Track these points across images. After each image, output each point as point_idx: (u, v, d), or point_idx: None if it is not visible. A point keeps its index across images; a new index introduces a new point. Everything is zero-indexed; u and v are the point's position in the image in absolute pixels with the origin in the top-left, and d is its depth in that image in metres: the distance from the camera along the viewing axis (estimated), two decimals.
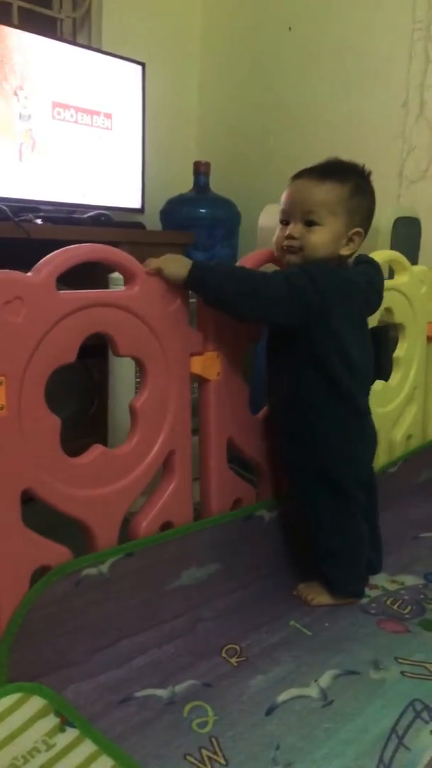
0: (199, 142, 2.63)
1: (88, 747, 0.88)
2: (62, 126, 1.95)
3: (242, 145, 2.51)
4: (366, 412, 1.25)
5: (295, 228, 1.16)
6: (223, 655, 1.10)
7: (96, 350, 1.58)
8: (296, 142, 2.34)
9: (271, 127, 2.41)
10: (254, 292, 1.09)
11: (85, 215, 1.87)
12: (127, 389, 1.42)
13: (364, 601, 1.28)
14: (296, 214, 1.16)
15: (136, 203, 2.17)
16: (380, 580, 1.35)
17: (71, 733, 0.90)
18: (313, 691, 1.03)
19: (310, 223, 1.15)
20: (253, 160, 2.47)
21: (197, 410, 1.22)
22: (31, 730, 0.90)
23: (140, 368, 1.12)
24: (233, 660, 1.09)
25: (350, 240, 1.17)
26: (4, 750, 0.87)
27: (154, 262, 1.10)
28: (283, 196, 1.19)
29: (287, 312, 1.12)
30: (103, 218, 1.85)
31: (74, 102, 1.97)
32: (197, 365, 1.18)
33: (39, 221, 1.67)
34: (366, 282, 1.23)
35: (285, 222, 1.19)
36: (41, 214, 1.75)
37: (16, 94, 1.84)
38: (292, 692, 1.02)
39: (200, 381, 1.21)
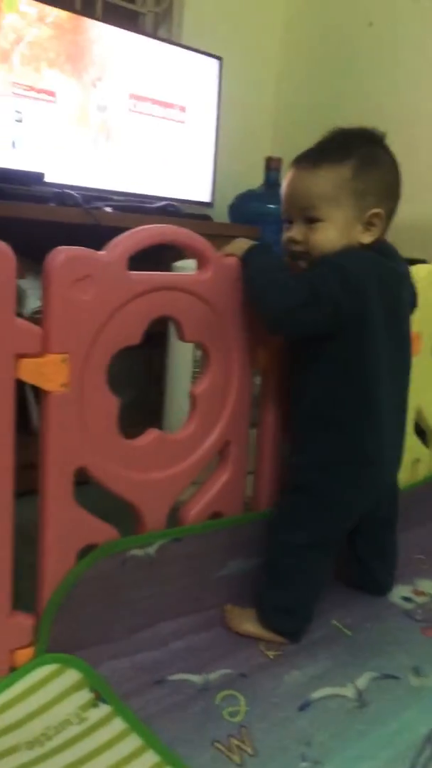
0: (273, 138, 2.62)
1: (118, 724, 0.89)
2: (137, 117, 1.99)
3: (317, 136, 2.49)
4: (387, 433, 1.09)
5: (297, 230, 1.03)
6: (261, 647, 1.10)
7: (156, 339, 1.61)
8: None
9: (348, 123, 2.38)
10: (270, 296, 1.00)
11: (154, 205, 1.89)
12: (185, 378, 1.43)
13: (410, 606, 1.25)
14: (295, 212, 1.03)
15: (205, 196, 2.19)
16: (428, 587, 1.32)
17: (103, 709, 0.91)
18: (349, 692, 1.01)
19: (311, 221, 1.01)
20: None
21: (258, 403, 1.21)
22: (65, 702, 0.92)
23: (204, 355, 1.12)
24: (270, 653, 1.09)
25: (369, 224, 1.02)
26: (37, 719, 0.89)
27: (229, 249, 1.07)
28: (281, 189, 1.07)
29: (306, 322, 1.00)
30: (170, 209, 1.87)
31: (150, 94, 2.01)
32: (262, 358, 1.17)
33: (108, 209, 1.69)
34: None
35: (287, 221, 1.06)
36: (111, 202, 1.78)
37: (94, 84, 1.88)
38: (328, 690, 1.01)
39: (263, 373, 1.20)
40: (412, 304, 1.17)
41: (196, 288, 1.06)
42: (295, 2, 2.56)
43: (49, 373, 0.92)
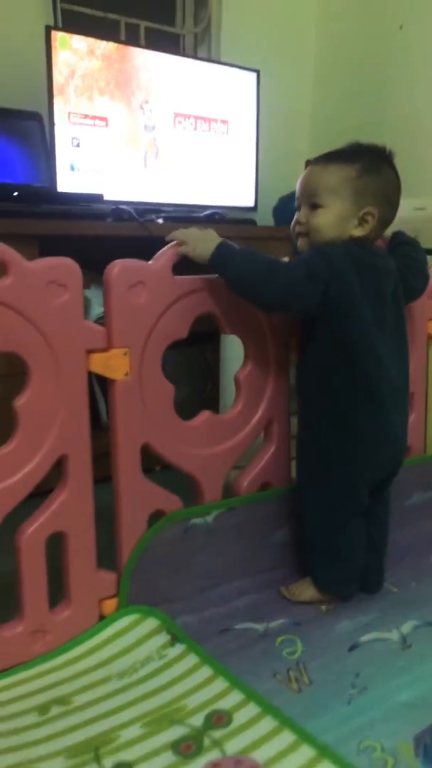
0: (311, 142, 2.75)
1: (192, 659, 1.04)
2: (182, 134, 2.15)
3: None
4: (388, 409, 1.17)
5: (302, 213, 1.17)
6: (314, 603, 1.23)
7: (209, 336, 1.76)
8: (407, 142, 2.40)
9: (382, 125, 2.49)
10: (272, 278, 1.10)
11: (202, 214, 2.04)
12: (235, 369, 1.57)
13: None
14: (304, 199, 1.17)
15: (249, 202, 2.34)
16: None
17: (179, 648, 1.07)
18: (394, 636, 1.14)
19: (314, 206, 1.15)
20: None
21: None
22: (147, 643, 1.08)
23: (244, 345, 1.27)
24: (323, 607, 1.22)
25: (362, 221, 1.15)
26: (126, 656, 1.05)
27: (179, 235, 1.14)
28: (297, 183, 1.20)
29: (304, 297, 1.11)
30: (217, 216, 2.02)
31: (193, 111, 2.17)
32: (294, 345, 1.30)
33: (160, 221, 1.86)
34: (403, 264, 1.23)
35: (298, 208, 1.19)
36: (163, 214, 1.94)
37: (141, 107, 2.05)
38: (374, 635, 1.14)
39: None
40: (422, 285, 1.30)
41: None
42: (327, 10, 2.67)
43: (114, 364, 1.09)
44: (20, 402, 1.03)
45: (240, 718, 0.93)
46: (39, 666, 1.04)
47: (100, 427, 1.37)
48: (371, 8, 2.51)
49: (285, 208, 2.39)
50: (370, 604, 1.24)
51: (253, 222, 2.21)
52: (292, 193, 2.39)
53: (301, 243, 1.19)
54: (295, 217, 1.19)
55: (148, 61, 2.05)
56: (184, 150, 2.15)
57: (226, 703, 0.95)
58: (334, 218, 1.14)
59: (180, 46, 2.54)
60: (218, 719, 0.93)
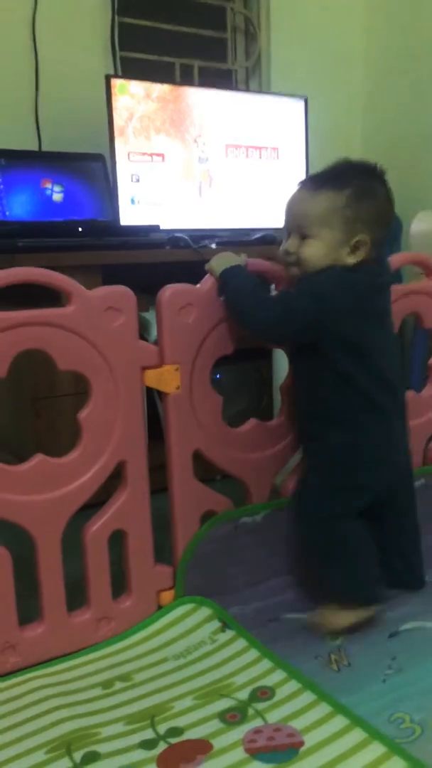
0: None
1: (241, 643, 1.15)
2: (234, 163, 2.29)
3: (404, 160, 2.67)
4: (392, 420, 1.20)
5: (292, 242, 1.16)
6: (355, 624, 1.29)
7: (264, 352, 1.87)
8: None
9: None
10: (251, 313, 1.16)
11: (253, 237, 2.17)
12: None
13: None
14: (293, 227, 1.17)
15: None
16: None
17: (229, 634, 1.18)
18: None
19: (304, 236, 1.14)
20: (412, 174, 2.62)
21: None
22: (200, 629, 1.20)
23: (288, 358, 1.38)
24: None
25: (355, 248, 1.13)
26: (181, 640, 1.18)
27: (214, 257, 1.23)
28: (286, 205, 1.19)
29: (282, 335, 1.18)
30: (268, 237, 2.13)
31: (244, 141, 2.30)
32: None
33: (213, 246, 1.99)
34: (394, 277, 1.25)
35: (287, 233, 1.19)
36: (216, 239, 2.08)
37: (195, 141, 2.20)
38: (415, 624, 1.21)
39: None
40: None
41: None
42: (374, 34, 2.77)
43: (166, 379, 1.22)
44: (83, 414, 1.17)
45: (281, 693, 1.03)
46: (104, 649, 1.17)
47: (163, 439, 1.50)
48: (418, 30, 2.59)
49: None
50: (413, 598, 1.30)
51: None
52: None
53: (292, 271, 1.18)
54: (284, 245, 1.18)
55: (199, 98, 2.20)
56: (236, 177, 2.29)
57: (269, 681, 1.06)
58: (325, 249, 1.13)
59: (232, 80, 2.69)
60: (262, 693, 1.03)
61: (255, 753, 0.91)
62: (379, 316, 1.20)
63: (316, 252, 1.14)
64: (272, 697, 1.02)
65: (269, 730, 0.95)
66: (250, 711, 0.99)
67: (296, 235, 1.16)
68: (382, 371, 1.18)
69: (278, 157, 2.39)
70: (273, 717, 0.98)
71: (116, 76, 2.15)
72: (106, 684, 1.08)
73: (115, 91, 2.02)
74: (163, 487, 1.26)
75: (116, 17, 2.28)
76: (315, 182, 1.16)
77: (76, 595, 1.19)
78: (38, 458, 1.14)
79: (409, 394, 1.44)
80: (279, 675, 1.07)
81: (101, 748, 0.92)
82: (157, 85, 2.11)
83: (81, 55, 2.23)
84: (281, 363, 1.72)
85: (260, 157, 2.34)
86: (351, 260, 1.14)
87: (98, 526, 1.18)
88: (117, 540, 1.21)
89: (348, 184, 1.12)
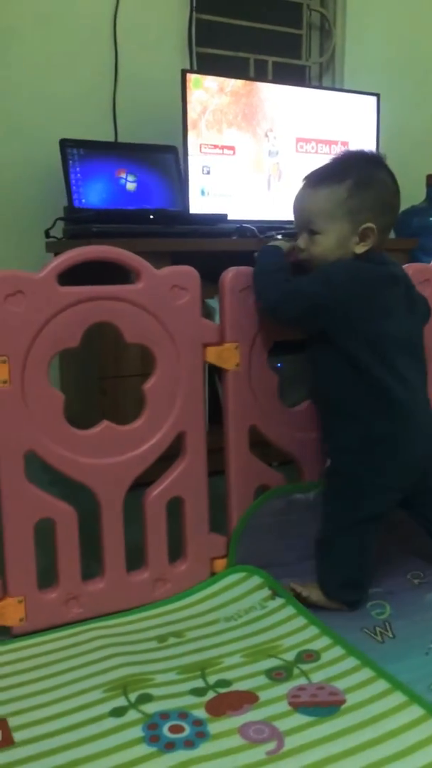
0: None
1: (289, 610, 1.20)
2: (304, 157, 2.32)
3: None
4: (409, 415, 1.17)
5: (302, 240, 1.19)
6: (408, 576, 1.34)
7: None
8: None
9: None
10: (263, 292, 1.20)
11: None
12: None
13: None
14: (301, 225, 1.20)
15: None
16: None
17: (278, 601, 1.23)
18: None
19: (312, 233, 1.17)
20: None
21: None
22: (251, 596, 1.25)
23: None
24: (416, 581, 1.33)
25: (363, 236, 1.15)
26: (233, 605, 1.23)
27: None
28: (293, 204, 1.22)
29: (288, 317, 1.19)
30: None
31: (314, 135, 2.34)
32: None
33: (279, 236, 2.04)
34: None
35: (299, 234, 1.21)
36: (282, 231, 2.12)
37: (266, 135, 2.25)
38: None
39: None
40: None
41: None
42: None
43: (226, 356, 1.28)
44: (148, 385, 1.24)
45: (326, 657, 1.07)
46: (160, 608, 1.23)
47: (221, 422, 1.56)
48: None
49: (406, 221, 2.50)
50: None
51: None
52: (413, 207, 2.52)
53: (307, 266, 1.22)
54: (297, 242, 1.21)
55: (271, 94, 2.25)
56: (305, 171, 2.32)
57: (315, 645, 1.10)
58: (334, 242, 1.15)
59: (306, 77, 2.72)
60: (308, 656, 1.08)
61: (298, 707, 0.96)
62: (392, 308, 1.18)
63: (325, 247, 1.16)
64: (317, 660, 1.06)
65: (313, 688, 1.00)
66: (296, 671, 1.04)
67: (305, 232, 1.19)
68: (396, 364, 1.16)
69: None
70: (317, 677, 1.02)
71: (191, 71, 2.22)
72: (161, 638, 1.14)
73: (190, 85, 2.09)
74: (221, 470, 1.32)
75: (194, 14, 2.35)
76: (316, 177, 1.18)
77: (136, 558, 1.26)
78: (104, 424, 1.22)
79: None
80: (325, 641, 1.11)
81: (154, 692, 0.98)
82: (230, 80, 2.17)
83: (158, 51, 2.32)
84: None
85: (330, 152, 2.37)
86: (360, 249, 1.16)
87: (158, 492, 1.25)
88: (175, 508, 1.28)
89: (348, 175, 1.14)
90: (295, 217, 1.21)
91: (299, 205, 1.20)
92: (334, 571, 1.21)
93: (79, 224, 1.88)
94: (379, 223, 1.15)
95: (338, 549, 1.21)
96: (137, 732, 0.90)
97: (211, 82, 2.13)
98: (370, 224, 1.14)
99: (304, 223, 1.18)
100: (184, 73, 2.09)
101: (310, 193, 1.17)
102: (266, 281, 1.21)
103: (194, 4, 2.34)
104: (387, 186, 1.17)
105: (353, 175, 1.14)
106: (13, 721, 0.93)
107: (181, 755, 0.86)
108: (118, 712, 0.94)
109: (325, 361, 1.21)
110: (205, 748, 0.88)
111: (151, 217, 1.89)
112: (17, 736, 0.90)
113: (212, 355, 1.28)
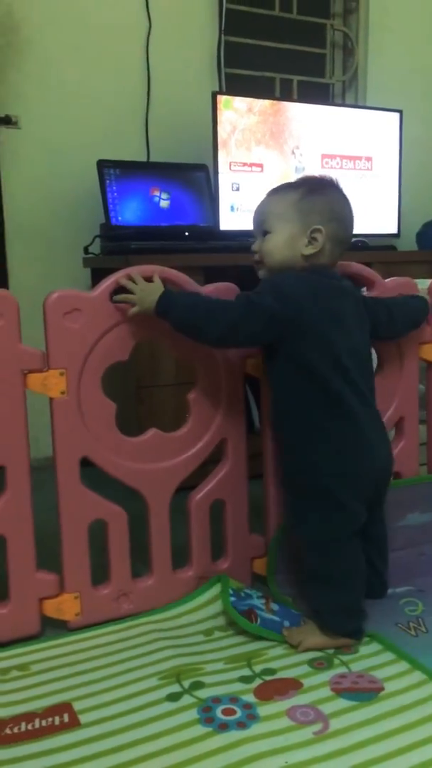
0: None
1: None
2: (329, 172, 2.39)
3: None
4: (363, 425, 1.17)
5: (256, 243, 1.23)
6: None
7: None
8: None
9: None
10: (212, 319, 1.15)
11: None
12: None
13: None
14: (256, 230, 1.24)
15: (392, 229, 2.54)
16: None
17: None
18: None
19: (265, 234, 1.21)
20: None
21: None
22: None
23: (377, 354, 1.48)
24: None
25: (312, 239, 1.18)
26: None
27: (122, 298, 1.21)
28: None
29: (247, 330, 1.15)
30: (360, 244, 2.25)
31: (339, 151, 2.42)
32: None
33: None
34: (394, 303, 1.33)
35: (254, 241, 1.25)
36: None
37: (293, 152, 2.34)
38: None
39: (428, 366, 1.53)
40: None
41: None
42: None
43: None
44: (192, 396, 1.32)
45: (364, 650, 1.15)
46: (202, 598, 1.31)
47: (254, 432, 1.63)
48: None
49: (428, 232, 2.57)
50: None
51: (393, 248, 2.40)
52: None
53: (261, 272, 1.24)
54: (252, 246, 1.25)
55: (298, 112, 2.33)
56: None
57: None
58: (283, 240, 1.19)
59: (329, 94, 2.81)
60: (347, 649, 1.15)
61: (340, 692, 1.03)
62: (343, 319, 1.19)
63: (274, 244, 1.20)
64: (356, 652, 1.14)
65: (353, 676, 1.07)
66: (336, 661, 1.12)
67: (259, 235, 1.23)
68: (353, 377, 1.16)
69: (372, 167, 2.49)
70: (356, 667, 1.10)
71: (221, 92, 2.32)
72: (207, 632, 1.22)
73: (220, 106, 2.19)
74: (260, 473, 1.39)
75: (222, 36, 2.45)
76: (274, 189, 1.25)
77: (181, 557, 1.34)
78: (152, 432, 1.30)
79: None
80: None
81: (205, 679, 1.06)
82: (258, 100, 2.26)
83: (189, 73, 2.41)
84: None
85: (354, 167, 2.46)
86: (309, 251, 1.19)
87: (201, 495, 1.33)
88: (218, 511, 1.36)
89: (303, 184, 1.23)
90: (253, 224, 1.26)
91: (257, 211, 1.25)
92: (325, 599, 1.17)
93: (118, 241, 1.97)
94: (328, 229, 1.19)
95: (333, 577, 1.16)
96: (193, 714, 0.98)
97: (240, 102, 2.22)
98: (318, 227, 1.18)
99: (259, 225, 1.23)
100: (214, 95, 2.18)
101: (268, 199, 1.25)
102: (210, 309, 1.17)
103: (222, 27, 2.44)
104: (338, 200, 1.23)
105: (306, 185, 1.22)
106: (77, 705, 1.02)
107: (235, 735, 0.94)
108: (173, 697, 1.03)
109: (280, 375, 1.21)
110: (256, 729, 0.95)
111: (186, 234, 1.98)
112: (83, 719, 0.99)
113: (251, 367, 1.35)
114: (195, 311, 1.17)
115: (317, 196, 1.20)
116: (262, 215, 1.23)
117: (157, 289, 1.20)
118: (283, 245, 1.19)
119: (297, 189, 1.21)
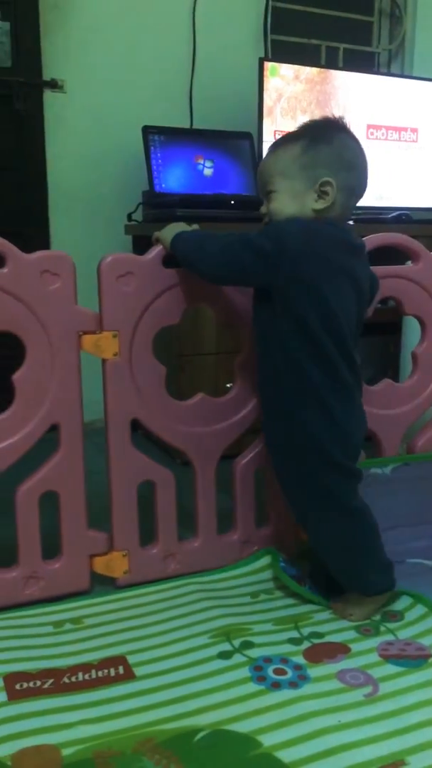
0: None
1: None
2: (374, 143, 2.37)
3: None
4: (352, 386, 1.13)
5: (264, 205, 1.16)
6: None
7: (392, 327, 1.98)
8: None
9: None
10: (209, 252, 1.12)
11: (389, 215, 2.25)
12: None
13: None
14: (261, 191, 1.17)
15: None
16: None
17: None
18: None
19: (269, 194, 1.14)
20: None
21: None
22: None
23: (422, 326, 1.47)
24: None
25: (322, 193, 1.10)
26: None
27: (158, 233, 1.22)
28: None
29: (238, 269, 1.11)
30: (403, 217, 2.22)
31: (385, 122, 2.38)
32: None
33: (351, 222, 2.10)
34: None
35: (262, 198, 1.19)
36: (353, 216, 2.18)
37: None
38: None
39: None
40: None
41: (412, 275, 1.42)
42: None
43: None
44: (238, 362, 1.33)
45: (410, 616, 1.16)
46: (249, 566, 1.33)
47: None
48: None
49: None
50: None
51: None
52: None
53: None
54: (261, 209, 1.18)
55: (344, 81, 2.30)
56: (374, 157, 2.36)
57: (398, 606, 1.19)
58: (288, 198, 1.11)
59: (375, 63, 2.76)
60: (392, 616, 1.16)
61: (388, 658, 1.04)
62: (347, 275, 1.12)
63: (279, 203, 1.13)
64: (402, 619, 1.15)
65: (400, 644, 1.08)
66: (382, 628, 1.13)
67: (265, 197, 1.16)
68: (347, 343, 1.11)
69: (417, 138, 2.45)
70: (403, 634, 1.11)
71: (268, 59, 2.28)
72: (253, 594, 1.24)
73: (266, 73, 2.16)
74: None
75: (270, 2, 2.40)
76: (274, 144, 1.17)
77: (224, 523, 1.36)
78: (200, 396, 1.31)
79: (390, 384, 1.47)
80: (406, 600, 1.19)
81: (255, 639, 1.08)
82: (305, 68, 2.22)
83: (234, 39, 2.38)
84: (410, 338, 1.82)
85: (399, 139, 2.42)
86: (320, 205, 1.11)
87: (246, 461, 1.35)
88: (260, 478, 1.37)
89: (304, 135, 1.12)
90: (257, 185, 1.19)
91: (259, 171, 1.18)
92: (365, 565, 1.16)
93: (164, 209, 1.96)
94: (338, 180, 1.10)
95: (356, 541, 1.15)
96: (245, 672, 1.00)
97: (287, 70, 2.19)
98: (327, 179, 1.09)
99: (263, 187, 1.16)
100: (261, 61, 2.15)
101: (267, 158, 1.16)
102: (202, 246, 1.15)
103: None
104: (346, 144, 1.12)
105: (308, 135, 1.12)
106: (131, 659, 1.04)
107: (288, 694, 0.96)
108: (225, 655, 1.05)
109: (275, 332, 1.12)
110: (308, 689, 0.97)
111: (232, 202, 1.97)
112: (137, 671, 1.01)
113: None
114: (196, 244, 1.16)
115: (322, 145, 1.10)
116: (264, 175, 1.15)
117: (178, 227, 1.21)
118: (288, 203, 1.12)
119: (298, 140, 1.11)
